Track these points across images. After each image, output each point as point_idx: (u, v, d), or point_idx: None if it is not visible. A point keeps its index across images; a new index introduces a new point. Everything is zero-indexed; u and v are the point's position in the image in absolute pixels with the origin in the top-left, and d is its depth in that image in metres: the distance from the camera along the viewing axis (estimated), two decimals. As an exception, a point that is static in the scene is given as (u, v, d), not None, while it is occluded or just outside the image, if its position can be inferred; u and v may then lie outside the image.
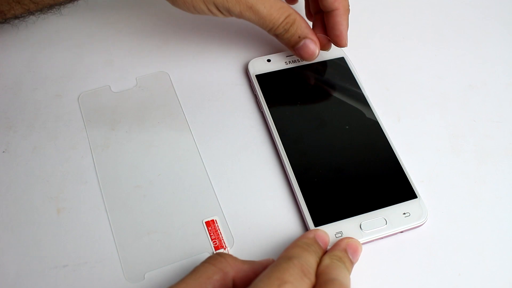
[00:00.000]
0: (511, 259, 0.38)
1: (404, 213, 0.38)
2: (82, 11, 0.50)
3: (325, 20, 0.44)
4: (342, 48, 0.45)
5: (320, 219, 0.37)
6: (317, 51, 0.44)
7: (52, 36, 0.48)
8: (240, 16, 0.42)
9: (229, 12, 0.41)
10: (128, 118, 0.43)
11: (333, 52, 0.47)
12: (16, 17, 0.43)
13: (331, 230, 0.37)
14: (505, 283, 0.37)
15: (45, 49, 0.48)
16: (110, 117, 0.43)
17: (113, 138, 0.42)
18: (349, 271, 0.34)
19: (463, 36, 0.50)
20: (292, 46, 0.44)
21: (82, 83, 0.45)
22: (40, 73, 0.46)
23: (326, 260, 0.34)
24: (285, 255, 0.33)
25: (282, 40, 0.44)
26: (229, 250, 0.37)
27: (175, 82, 0.46)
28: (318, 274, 0.32)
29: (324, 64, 0.46)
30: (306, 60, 0.44)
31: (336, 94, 0.44)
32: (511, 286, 0.37)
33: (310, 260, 0.33)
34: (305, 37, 0.43)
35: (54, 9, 0.45)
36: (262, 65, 0.46)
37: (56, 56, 0.47)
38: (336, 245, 0.36)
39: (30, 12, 0.43)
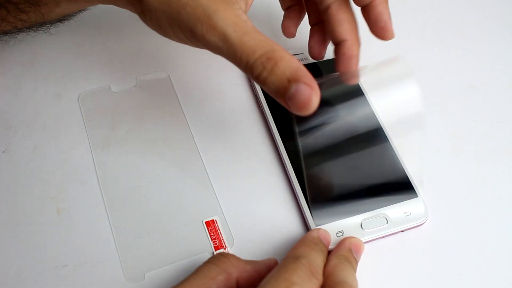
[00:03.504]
0: (511, 259, 0.38)
1: (405, 212, 0.38)
2: (82, 11, 0.50)
3: (364, 16, 0.38)
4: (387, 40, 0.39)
5: (321, 218, 0.37)
6: (316, 99, 0.30)
7: (52, 36, 0.48)
8: (204, 40, 0.32)
9: (193, 36, 0.32)
10: (128, 118, 0.43)
11: (330, 52, 0.47)
12: (5, 32, 0.42)
13: (332, 230, 0.37)
14: (505, 283, 0.37)
15: (45, 49, 0.48)
16: (110, 117, 0.43)
17: (113, 138, 0.42)
18: (355, 271, 0.34)
19: (463, 37, 0.50)
20: (280, 94, 0.31)
21: (82, 83, 0.45)
22: (40, 73, 0.46)
23: (334, 260, 0.33)
24: (292, 254, 0.33)
25: (265, 85, 0.31)
26: (229, 250, 0.37)
27: (175, 82, 0.46)
28: (326, 275, 0.32)
29: (324, 63, 0.46)
30: (300, 114, 0.31)
31: (335, 94, 0.44)
32: (511, 286, 0.37)
33: (318, 260, 0.33)
34: (297, 80, 0.30)
35: (44, 27, 0.43)
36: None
37: (56, 56, 0.47)
38: (340, 244, 0.36)
39: (19, 29, 0.42)
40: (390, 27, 0.37)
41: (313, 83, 0.31)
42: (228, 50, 0.31)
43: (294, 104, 0.31)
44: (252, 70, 0.31)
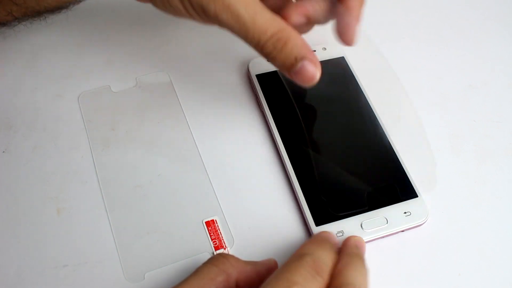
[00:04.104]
0: (511, 259, 0.38)
1: (405, 212, 0.38)
2: (82, 11, 0.50)
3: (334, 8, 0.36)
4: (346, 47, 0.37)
5: (321, 219, 0.37)
6: (318, 74, 0.35)
7: (52, 36, 0.48)
8: (216, 19, 0.33)
9: (205, 13, 0.34)
10: (128, 118, 0.43)
11: (333, 52, 0.47)
12: (2, 23, 0.42)
13: (333, 230, 0.37)
14: (505, 283, 0.37)
15: (45, 49, 0.48)
16: (110, 117, 0.43)
17: (113, 138, 0.42)
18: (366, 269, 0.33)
19: (463, 36, 0.50)
20: (287, 69, 0.35)
21: (82, 83, 0.45)
22: (40, 73, 0.46)
23: (345, 259, 0.32)
24: (298, 252, 0.32)
25: (274, 62, 0.35)
26: (229, 250, 0.37)
27: (175, 82, 0.46)
28: (334, 274, 0.31)
29: (324, 63, 0.46)
30: (304, 85, 0.35)
31: (336, 94, 0.45)
32: (511, 286, 0.37)
33: (324, 257, 0.32)
34: (302, 58, 0.34)
35: (41, 17, 0.43)
36: (263, 64, 0.46)
37: (56, 56, 0.47)
38: (346, 243, 0.35)
39: (15, 17, 0.41)
40: (352, 33, 0.36)
41: (316, 59, 0.35)
42: (240, 29, 0.33)
43: (299, 78, 0.35)
44: (263, 49, 0.34)
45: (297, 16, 0.36)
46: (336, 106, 0.44)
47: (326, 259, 0.32)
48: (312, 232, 0.37)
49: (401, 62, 0.48)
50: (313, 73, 0.34)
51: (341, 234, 0.37)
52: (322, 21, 0.38)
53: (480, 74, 0.48)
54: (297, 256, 0.31)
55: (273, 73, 0.45)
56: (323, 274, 0.30)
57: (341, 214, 0.38)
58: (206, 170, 0.41)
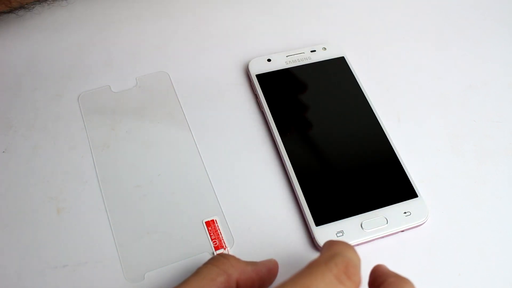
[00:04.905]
0: (511, 259, 0.38)
1: (405, 212, 0.38)
2: (82, 10, 0.50)
3: None
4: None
5: (321, 219, 0.37)
6: None
7: (52, 36, 0.48)
8: None
9: None
10: (128, 118, 0.43)
11: (333, 52, 0.47)
12: (22, 6, 0.41)
13: (333, 230, 0.37)
14: (505, 283, 0.37)
15: (45, 49, 0.48)
16: (110, 117, 0.43)
17: (113, 138, 0.42)
18: None
19: (463, 36, 0.50)
20: None
21: (82, 83, 0.45)
22: (40, 73, 0.46)
23: (396, 282, 0.29)
24: (326, 253, 0.29)
25: None
26: (229, 250, 0.37)
27: (175, 82, 0.46)
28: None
29: (324, 63, 0.46)
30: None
31: (336, 94, 0.45)
32: (511, 286, 0.37)
33: (355, 259, 0.29)
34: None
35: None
36: (263, 64, 0.46)
37: (56, 56, 0.47)
38: (377, 272, 0.32)
39: (37, 0, 0.41)
40: None
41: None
42: None
43: None
44: None
45: None
46: (336, 106, 0.44)
47: (358, 262, 0.29)
48: (312, 232, 0.37)
49: (401, 62, 0.48)
50: None
51: (341, 234, 0.37)
52: None
53: (480, 74, 0.48)
54: (324, 258, 0.28)
55: (273, 73, 0.45)
56: (355, 278, 0.28)
57: (341, 214, 0.38)
58: (206, 170, 0.41)
